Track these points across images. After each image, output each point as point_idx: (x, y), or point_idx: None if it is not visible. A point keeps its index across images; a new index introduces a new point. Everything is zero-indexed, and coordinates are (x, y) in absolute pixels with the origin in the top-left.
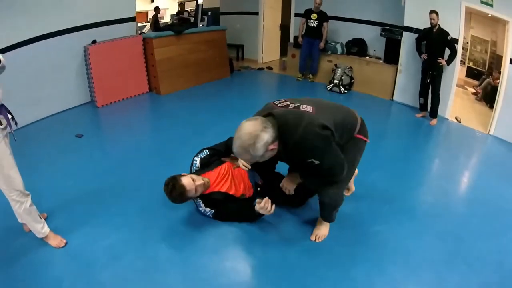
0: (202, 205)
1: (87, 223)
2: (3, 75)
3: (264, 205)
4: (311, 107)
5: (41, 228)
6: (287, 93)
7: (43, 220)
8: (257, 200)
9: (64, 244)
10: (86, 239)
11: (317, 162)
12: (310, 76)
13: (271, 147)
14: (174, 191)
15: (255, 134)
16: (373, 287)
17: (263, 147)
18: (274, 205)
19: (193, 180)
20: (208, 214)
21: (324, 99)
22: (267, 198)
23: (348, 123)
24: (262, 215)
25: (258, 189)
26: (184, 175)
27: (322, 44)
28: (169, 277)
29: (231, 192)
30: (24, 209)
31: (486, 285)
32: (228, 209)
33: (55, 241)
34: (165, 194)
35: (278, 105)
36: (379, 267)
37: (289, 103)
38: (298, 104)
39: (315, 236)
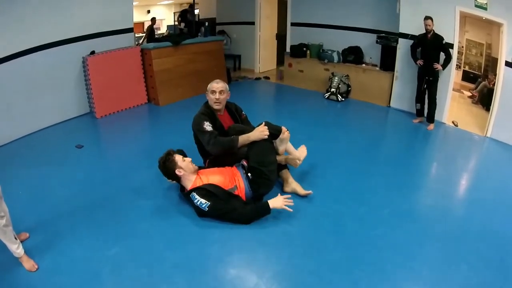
0: (197, 196)
1: (90, 233)
2: (2, 85)
3: None
4: None
5: (16, 248)
6: (285, 101)
7: (18, 241)
8: None
9: (36, 269)
10: (90, 250)
11: None
12: None
13: None
14: (162, 157)
15: None
16: None
17: None
18: None
19: (184, 160)
20: (203, 206)
21: None
22: None
23: None
24: (259, 216)
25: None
26: None
27: None
28: (177, 285)
29: (221, 185)
30: None
31: (487, 284)
32: (224, 201)
33: (28, 264)
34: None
35: None
36: (381, 270)
37: None
38: None
39: None
